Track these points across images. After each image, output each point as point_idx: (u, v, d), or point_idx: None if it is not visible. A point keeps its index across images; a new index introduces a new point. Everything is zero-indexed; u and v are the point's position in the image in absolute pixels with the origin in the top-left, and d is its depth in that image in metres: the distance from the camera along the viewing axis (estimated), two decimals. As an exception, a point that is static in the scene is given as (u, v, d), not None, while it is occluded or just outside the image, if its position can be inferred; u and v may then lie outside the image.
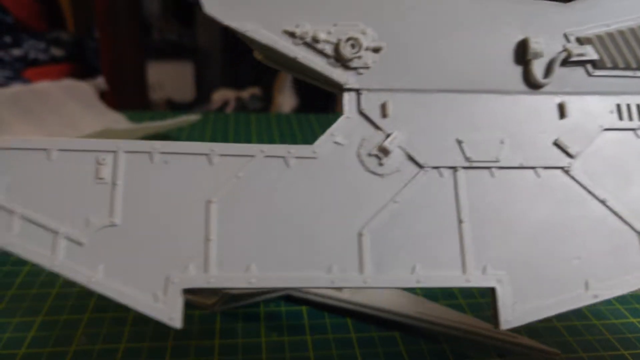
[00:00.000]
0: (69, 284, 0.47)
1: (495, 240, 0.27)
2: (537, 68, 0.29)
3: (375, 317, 0.43)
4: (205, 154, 0.25)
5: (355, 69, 0.28)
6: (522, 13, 0.29)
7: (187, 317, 0.43)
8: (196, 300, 0.45)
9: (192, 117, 0.81)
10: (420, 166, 0.27)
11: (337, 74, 0.27)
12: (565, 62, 0.29)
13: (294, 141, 0.83)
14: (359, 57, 0.28)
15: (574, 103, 0.29)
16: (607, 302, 0.48)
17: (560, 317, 0.45)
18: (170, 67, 2.79)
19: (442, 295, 0.48)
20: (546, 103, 0.29)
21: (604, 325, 0.45)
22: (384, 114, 0.27)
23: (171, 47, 2.81)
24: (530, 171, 0.28)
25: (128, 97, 2.07)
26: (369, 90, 0.28)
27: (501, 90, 0.29)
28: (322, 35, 0.27)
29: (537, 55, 0.29)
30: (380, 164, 0.26)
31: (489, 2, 0.29)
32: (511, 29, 0.29)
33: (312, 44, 0.27)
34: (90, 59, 2.35)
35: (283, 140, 0.84)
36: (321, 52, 0.27)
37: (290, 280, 0.24)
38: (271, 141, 0.83)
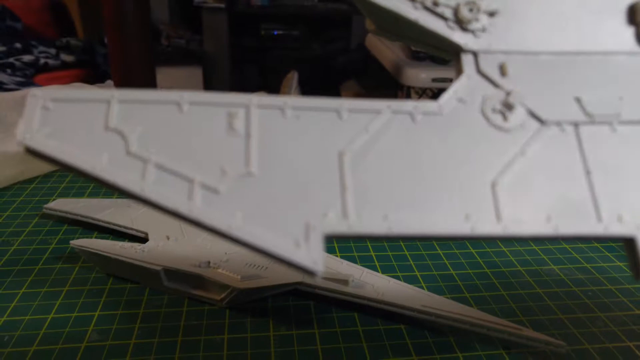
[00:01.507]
0: (79, 282, 0.48)
1: (627, 191, 0.26)
2: None
3: (382, 310, 0.43)
4: (335, 110, 0.25)
5: (472, 31, 0.28)
6: None
7: (197, 312, 0.44)
8: (205, 296, 0.45)
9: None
10: (542, 122, 0.27)
11: (457, 36, 0.28)
12: None
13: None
14: (477, 20, 0.28)
15: None
16: (611, 295, 0.48)
17: (565, 309, 0.45)
18: (179, 72, 2.81)
19: (447, 289, 0.49)
20: None
21: (608, 318, 0.45)
22: (503, 73, 0.28)
23: (179, 52, 2.82)
24: None
25: (137, 102, 2.07)
26: (486, 52, 0.28)
27: (615, 51, 0.29)
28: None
29: None
30: (505, 119, 0.27)
31: None
32: None
33: (431, 8, 0.28)
34: (100, 65, 2.36)
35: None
36: (440, 16, 0.28)
37: (430, 226, 0.24)
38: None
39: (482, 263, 0.52)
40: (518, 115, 0.27)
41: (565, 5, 0.30)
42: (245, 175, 0.22)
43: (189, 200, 0.21)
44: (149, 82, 2.17)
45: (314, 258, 0.21)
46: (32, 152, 0.20)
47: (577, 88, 0.28)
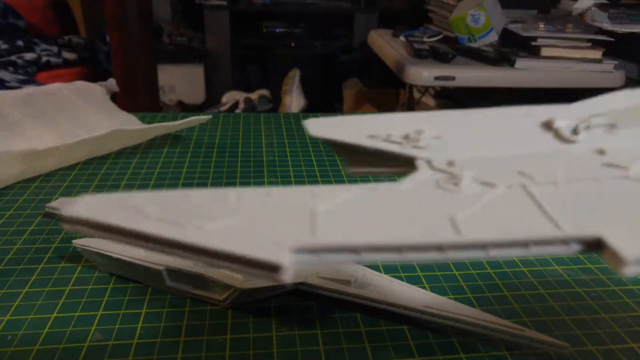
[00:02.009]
0: (81, 281, 0.48)
1: (581, 216, 0.28)
2: (565, 131, 0.35)
3: (384, 311, 0.43)
4: (309, 190, 0.29)
5: (422, 148, 0.34)
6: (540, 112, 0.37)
7: (199, 312, 0.44)
8: (207, 296, 0.45)
9: (203, 117, 0.81)
10: (492, 185, 0.30)
11: (411, 152, 0.34)
12: (587, 128, 0.35)
13: (302, 140, 0.84)
14: (424, 140, 0.35)
15: (609, 146, 0.33)
16: (616, 296, 0.48)
17: (568, 310, 0.45)
18: (181, 70, 2.81)
19: (450, 289, 0.49)
20: (585, 149, 0.33)
21: (612, 319, 0.45)
22: (451, 165, 0.32)
23: (181, 50, 2.82)
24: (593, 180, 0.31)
25: (140, 99, 2.08)
26: (435, 157, 0.33)
27: (540, 145, 0.35)
28: (394, 133, 0.35)
29: (562, 129, 0.35)
30: (457, 186, 0.30)
31: (514, 112, 0.38)
32: (536, 119, 0.37)
33: (387, 139, 0.35)
34: (102, 63, 2.37)
35: (291, 139, 0.84)
36: (395, 142, 0.35)
37: (394, 237, 0.26)
38: (280, 139, 0.84)
39: (485, 263, 0.52)
40: (469, 183, 0.30)
41: (494, 125, 0.37)
42: (230, 225, 0.26)
43: (182, 232, 0.25)
44: (151, 80, 2.17)
45: (279, 257, 0.24)
46: (73, 222, 0.25)
47: (518, 168, 0.32)
